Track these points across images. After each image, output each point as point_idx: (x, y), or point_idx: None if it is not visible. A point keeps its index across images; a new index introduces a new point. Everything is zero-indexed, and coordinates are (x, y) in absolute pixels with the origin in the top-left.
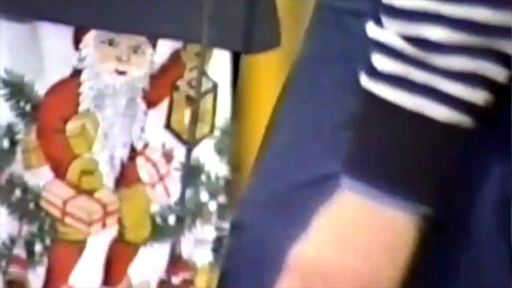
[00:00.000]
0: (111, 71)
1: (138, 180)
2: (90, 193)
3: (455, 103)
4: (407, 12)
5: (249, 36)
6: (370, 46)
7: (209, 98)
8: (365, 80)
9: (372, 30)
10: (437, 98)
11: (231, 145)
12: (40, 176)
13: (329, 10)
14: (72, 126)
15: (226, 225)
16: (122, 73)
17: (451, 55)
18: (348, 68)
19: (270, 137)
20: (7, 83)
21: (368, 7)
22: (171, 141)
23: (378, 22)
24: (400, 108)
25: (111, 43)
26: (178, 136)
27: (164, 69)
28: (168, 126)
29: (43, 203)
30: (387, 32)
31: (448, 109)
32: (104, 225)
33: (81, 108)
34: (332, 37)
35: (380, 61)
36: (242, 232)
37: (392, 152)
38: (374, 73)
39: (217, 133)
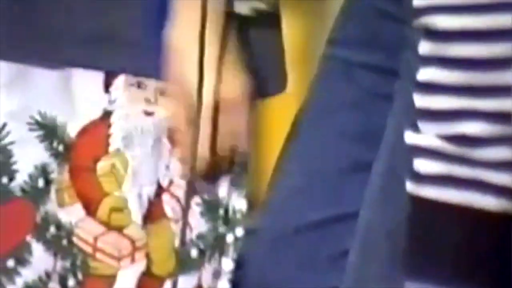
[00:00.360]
0: (139, 112)
1: (164, 215)
2: (119, 229)
3: (501, 192)
4: (443, 113)
5: (258, 82)
6: (411, 153)
7: None
8: (411, 186)
9: (410, 137)
10: (483, 189)
11: (247, 180)
12: (72, 214)
13: (339, 61)
14: (102, 165)
15: None
16: (149, 114)
17: (489, 147)
18: (355, 118)
19: (277, 180)
20: (41, 125)
21: (377, 60)
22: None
23: (415, 129)
24: (449, 205)
25: (139, 85)
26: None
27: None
28: None
29: (75, 240)
30: (426, 136)
31: (496, 198)
32: (133, 260)
33: (111, 148)
34: (340, 87)
35: (424, 165)
36: (243, 269)
37: (450, 248)
38: (419, 178)
39: (235, 168)
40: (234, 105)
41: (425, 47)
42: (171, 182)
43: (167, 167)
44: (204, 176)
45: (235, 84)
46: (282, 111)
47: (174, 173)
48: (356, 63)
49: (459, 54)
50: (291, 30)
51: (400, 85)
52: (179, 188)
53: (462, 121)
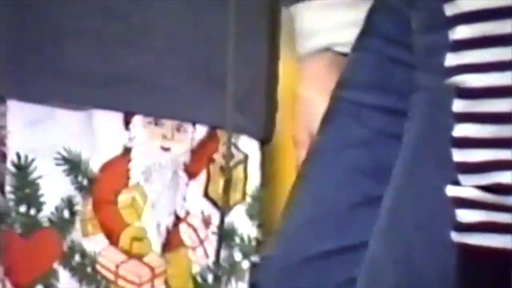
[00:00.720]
0: (157, 148)
1: (181, 244)
2: (140, 257)
3: None
4: (479, 165)
5: (267, 125)
6: (452, 204)
7: (240, 168)
8: (456, 236)
9: (452, 190)
10: None
11: (261, 210)
12: (96, 243)
13: (349, 103)
14: (123, 198)
15: None
16: (167, 149)
17: None
18: (365, 154)
19: (290, 211)
20: (67, 160)
21: (386, 102)
22: (208, 208)
23: (456, 182)
24: (493, 249)
25: (156, 123)
26: (214, 203)
27: (202, 144)
28: (206, 195)
29: (98, 267)
30: (466, 188)
31: None
32: (152, 286)
33: (131, 182)
34: (351, 126)
35: (466, 215)
36: None
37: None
38: (463, 227)
39: (248, 199)
40: None
41: (458, 105)
42: (187, 213)
43: (184, 198)
44: None
45: None
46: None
47: (190, 204)
48: (366, 105)
49: (490, 110)
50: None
51: (409, 126)
52: (195, 218)
53: (497, 171)
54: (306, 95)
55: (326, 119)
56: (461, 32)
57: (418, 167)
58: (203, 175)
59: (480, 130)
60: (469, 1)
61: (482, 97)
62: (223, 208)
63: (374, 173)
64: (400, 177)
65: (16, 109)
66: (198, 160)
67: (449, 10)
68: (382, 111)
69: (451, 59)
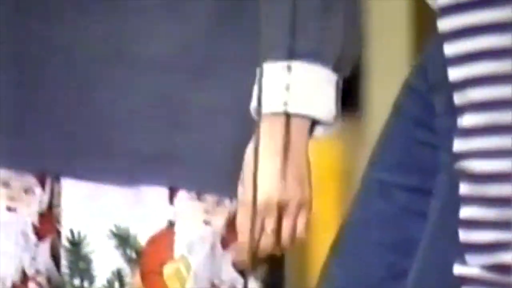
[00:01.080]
0: (200, 222)
1: None
2: None
3: None
4: (484, 246)
5: None
6: (459, 283)
7: None
8: None
9: (458, 269)
10: None
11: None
12: None
13: (379, 182)
14: (168, 269)
15: None
16: (208, 223)
17: None
18: (392, 232)
19: (323, 283)
20: (116, 235)
21: (413, 182)
22: (234, 275)
23: (462, 261)
24: None
25: (199, 198)
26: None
27: (235, 216)
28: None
29: None
30: (472, 267)
31: None
32: None
33: (176, 254)
34: (379, 204)
35: None
36: None
37: None
38: None
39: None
40: (288, 209)
41: (464, 189)
42: (220, 280)
43: (219, 268)
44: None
45: (292, 191)
46: (326, 225)
47: (222, 272)
48: (394, 184)
49: (494, 194)
50: (332, 153)
51: (433, 203)
52: (224, 285)
53: (500, 252)
54: (249, 160)
55: (358, 196)
56: (468, 120)
57: (438, 244)
58: (234, 245)
59: (485, 213)
60: (476, 92)
61: (486, 182)
62: (246, 277)
63: (401, 248)
64: (423, 252)
65: (70, 187)
66: (232, 231)
67: (458, 99)
68: (409, 190)
69: (458, 145)
